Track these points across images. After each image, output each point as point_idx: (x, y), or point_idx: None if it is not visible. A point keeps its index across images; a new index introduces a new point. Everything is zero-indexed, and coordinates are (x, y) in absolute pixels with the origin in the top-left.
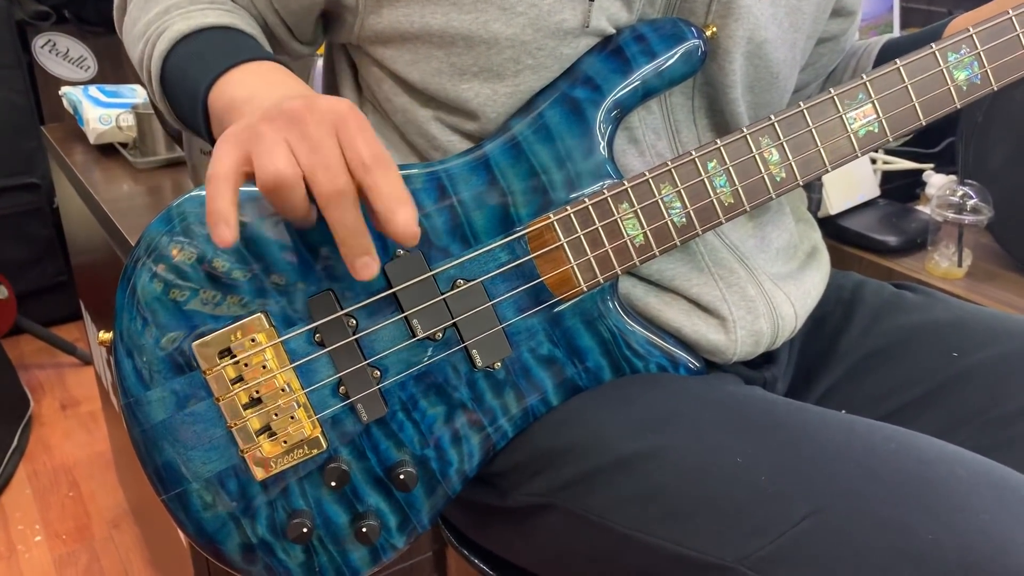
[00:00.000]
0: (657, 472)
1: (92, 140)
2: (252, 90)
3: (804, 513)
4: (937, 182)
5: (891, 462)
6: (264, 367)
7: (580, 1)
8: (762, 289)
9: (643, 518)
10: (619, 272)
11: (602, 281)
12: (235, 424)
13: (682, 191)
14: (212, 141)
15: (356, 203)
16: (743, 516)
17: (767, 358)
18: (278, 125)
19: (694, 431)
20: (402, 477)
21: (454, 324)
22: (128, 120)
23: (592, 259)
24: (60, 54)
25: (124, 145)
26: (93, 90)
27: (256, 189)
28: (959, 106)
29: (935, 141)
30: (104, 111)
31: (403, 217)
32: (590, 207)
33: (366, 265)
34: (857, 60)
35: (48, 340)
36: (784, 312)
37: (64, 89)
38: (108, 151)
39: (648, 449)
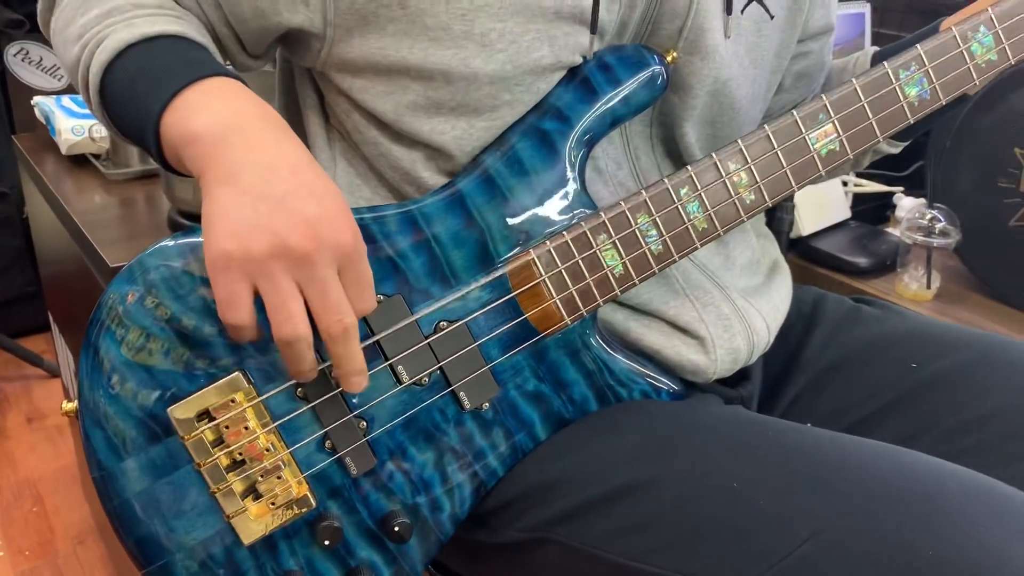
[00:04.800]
0: (653, 500)
1: (64, 150)
2: (214, 123)
3: (805, 536)
4: (907, 205)
5: (885, 479)
6: (246, 428)
7: (583, 34)
8: (735, 306)
9: (641, 548)
10: (601, 303)
11: (585, 314)
12: (218, 489)
13: (657, 219)
14: (166, 166)
15: (357, 337)
16: (744, 541)
17: (741, 375)
18: (285, 264)
19: (688, 457)
20: (397, 530)
21: (440, 368)
22: (101, 131)
23: (574, 292)
24: (33, 63)
25: (96, 156)
26: (66, 100)
27: None
28: (912, 121)
29: (905, 165)
30: (77, 121)
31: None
32: (569, 241)
33: (359, 383)
34: (851, 77)
35: (15, 352)
36: (757, 327)
37: (36, 98)
38: (80, 162)
39: (643, 478)
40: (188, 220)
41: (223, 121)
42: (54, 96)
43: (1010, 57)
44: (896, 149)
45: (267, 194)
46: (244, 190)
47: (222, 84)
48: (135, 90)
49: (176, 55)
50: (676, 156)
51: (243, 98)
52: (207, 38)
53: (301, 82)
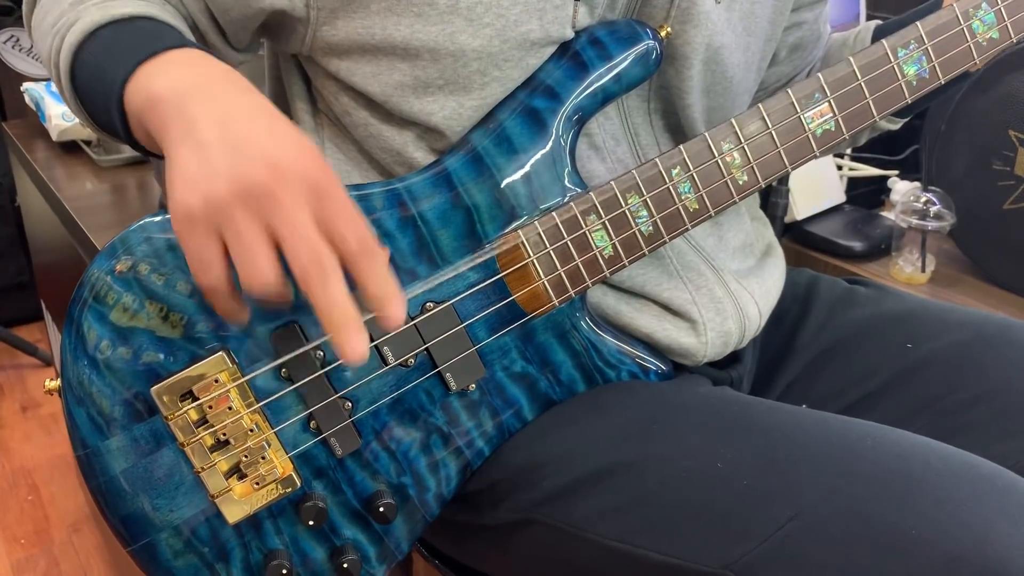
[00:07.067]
0: (638, 481)
1: (55, 137)
2: (176, 84)
3: (788, 515)
4: (901, 189)
5: (869, 459)
6: (229, 408)
7: (567, 2)
8: (728, 290)
9: (626, 529)
10: (590, 285)
11: (574, 295)
12: (203, 468)
13: (648, 200)
14: (132, 144)
15: (341, 277)
16: (727, 522)
17: (733, 357)
18: (248, 206)
19: (672, 438)
20: (382, 510)
21: (426, 349)
22: None
23: (563, 274)
24: (23, 50)
25: (87, 142)
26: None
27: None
28: (910, 101)
29: (900, 149)
30: (67, 107)
31: (393, 313)
32: (558, 222)
33: (356, 346)
34: (851, 52)
35: (8, 341)
36: (750, 312)
37: (26, 84)
38: (71, 148)
39: (627, 459)
40: None
41: (185, 81)
42: (44, 82)
43: (1012, 35)
44: (895, 125)
45: (223, 139)
46: (201, 141)
47: (187, 53)
48: (100, 66)
49: (144, 32)
50: (677, 130)
51: (207, 63)
52: (181, 22)
53: (286, 68)
